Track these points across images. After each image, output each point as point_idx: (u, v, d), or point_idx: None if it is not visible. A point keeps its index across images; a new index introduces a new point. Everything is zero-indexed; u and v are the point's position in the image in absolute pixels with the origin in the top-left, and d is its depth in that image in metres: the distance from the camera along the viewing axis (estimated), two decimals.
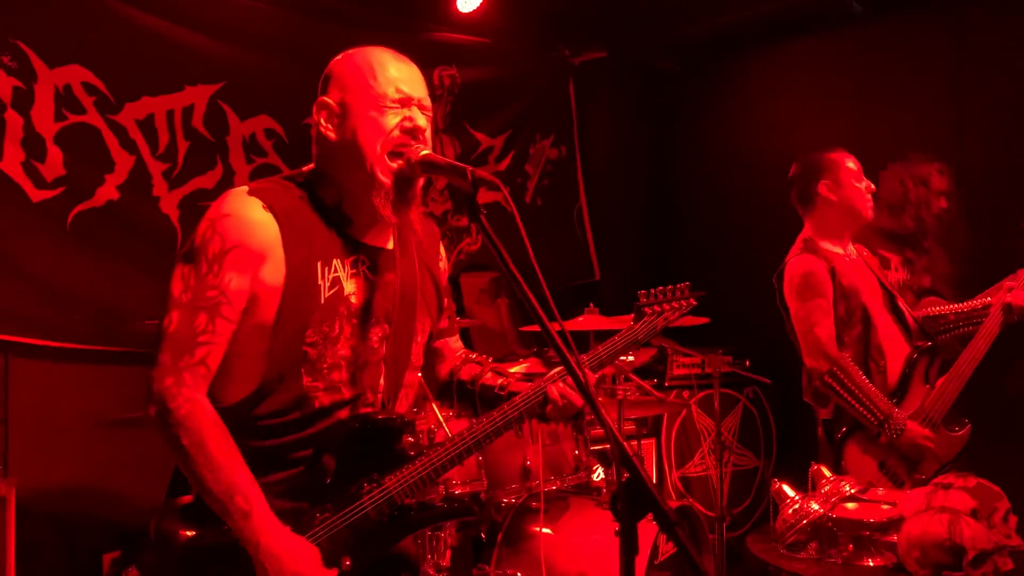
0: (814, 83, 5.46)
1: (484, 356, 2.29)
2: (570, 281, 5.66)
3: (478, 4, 4.84)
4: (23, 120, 3.68)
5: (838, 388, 3.20)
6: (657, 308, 2.22)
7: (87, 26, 3.86)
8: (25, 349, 3.68)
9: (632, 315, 2.23)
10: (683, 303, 2.26)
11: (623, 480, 1.40)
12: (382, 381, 1.96)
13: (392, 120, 1.89)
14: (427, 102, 1.96)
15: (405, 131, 1.90)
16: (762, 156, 5.57)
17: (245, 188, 1.87)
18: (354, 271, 1.92)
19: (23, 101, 3.68)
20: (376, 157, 1.88)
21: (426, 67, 4.98)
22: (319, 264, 1.87)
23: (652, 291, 2.24)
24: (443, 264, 2.21)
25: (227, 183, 4.26)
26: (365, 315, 1.92)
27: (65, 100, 3.80)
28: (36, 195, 3.70)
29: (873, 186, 3.49)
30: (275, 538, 1.76)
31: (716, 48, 5.84)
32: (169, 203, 4.09)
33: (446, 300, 2.21)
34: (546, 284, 1.59)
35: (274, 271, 1.83)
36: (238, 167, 4.34)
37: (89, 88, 3.87)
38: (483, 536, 3.27)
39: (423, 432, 3.01)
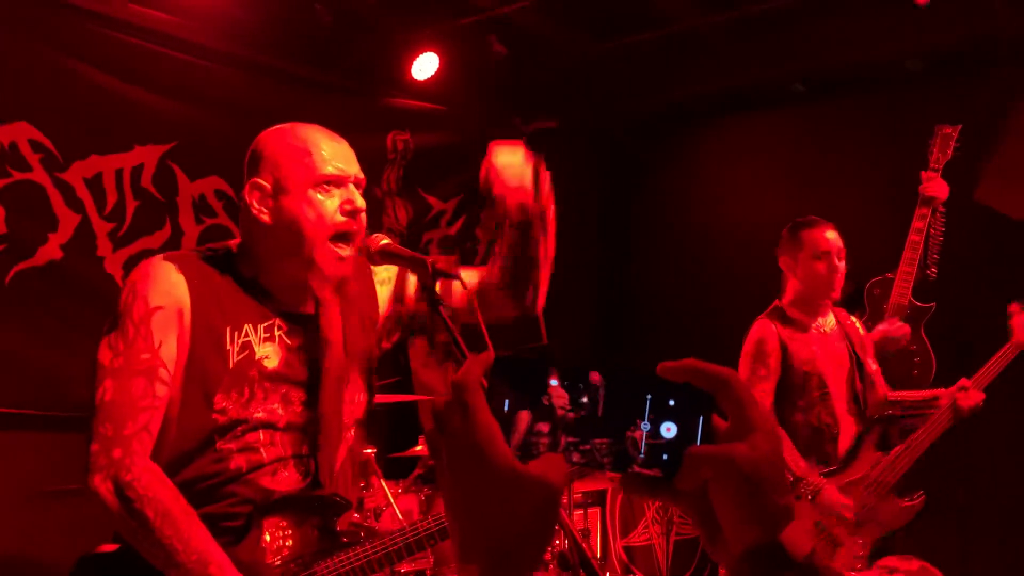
0: (761, 156, 5.63)
1: None
2: (519, 345, 5.66)
3: (433, 72, 4.90)
4: None
5: None
6: None
7: (36, 83, 3.78)
8: None
9: None
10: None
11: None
12: (306, 447, 1.88)
13: (332, 203, 1.86)
14: (362, 176, 1.94)
15: (346, 214, 1.88)
16: (713, 227, 5.70)
17: (161, 256, 1.87)
18: (268, 335, 1.87)
19: None
20: (319, 243, 1.85)
21: (381, 131, 5.10)
22: (228, 329, 1.84)
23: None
24: (379, 301, 2.10)
25: (175, 243, 4.19)
26: (281, 379, 1.87)
27: (10, 157, 3.70)
28: None
29: (841, 266, 3.41)
30: None
31: (666, 121, 6.00)
32: (114, 263, 4.00)
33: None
34: (495, 350, 1.59)
35: (184, 334, 1.80)
36: (187, 227, 4.27)
37: (35, 145, 3.79)
38: None
39: (370, 511, 2.96)
